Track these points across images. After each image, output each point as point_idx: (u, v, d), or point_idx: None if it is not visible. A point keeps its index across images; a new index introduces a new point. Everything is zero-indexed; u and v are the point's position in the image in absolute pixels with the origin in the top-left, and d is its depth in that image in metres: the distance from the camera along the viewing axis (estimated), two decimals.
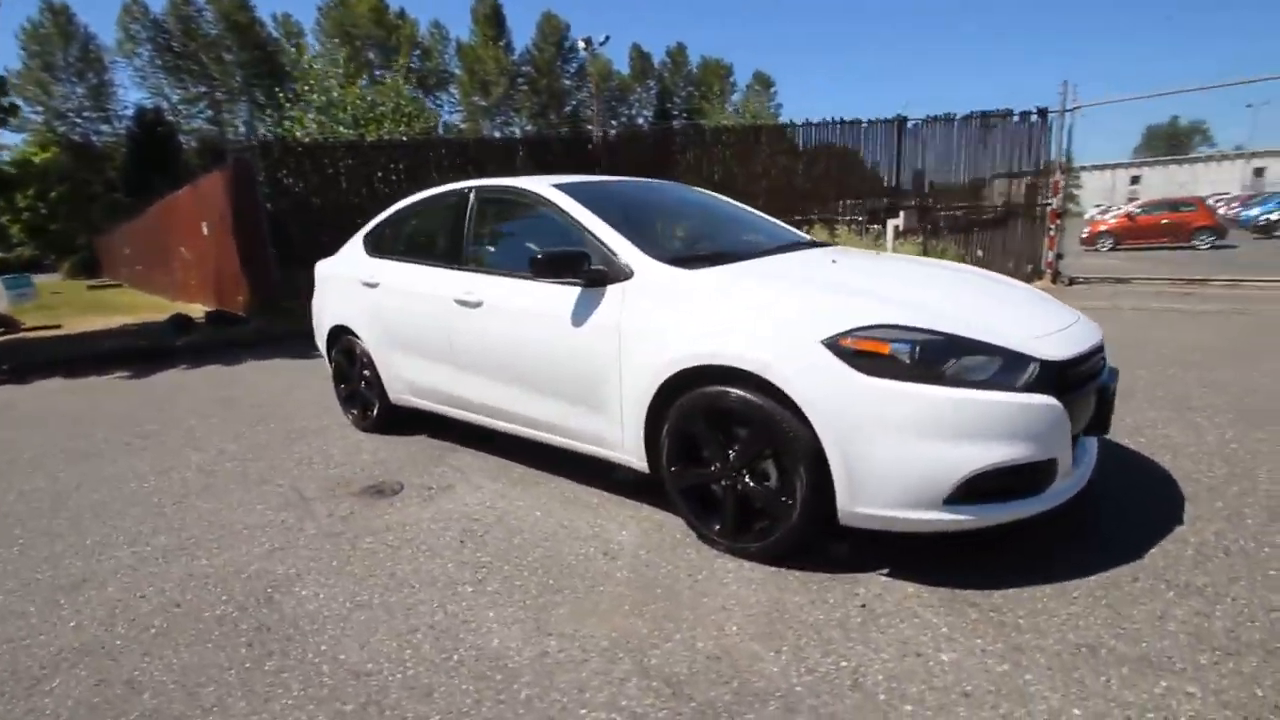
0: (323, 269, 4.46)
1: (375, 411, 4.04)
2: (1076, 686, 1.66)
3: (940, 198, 11.35)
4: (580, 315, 2.68)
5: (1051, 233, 10.17)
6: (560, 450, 3.05)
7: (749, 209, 3.91)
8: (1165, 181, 30.96)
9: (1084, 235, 19.82)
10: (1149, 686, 1.65)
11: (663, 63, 58.58)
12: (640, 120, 52.39)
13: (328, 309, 4.28)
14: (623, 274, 2.59)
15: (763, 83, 54.87)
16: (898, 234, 10.57)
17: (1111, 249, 19.24)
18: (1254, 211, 22.81)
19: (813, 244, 3.40)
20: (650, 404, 2.47)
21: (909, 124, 11.22)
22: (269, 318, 9.15)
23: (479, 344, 3.17)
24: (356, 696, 1.78)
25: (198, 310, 11.18)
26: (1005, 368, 2.00)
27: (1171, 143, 69.66)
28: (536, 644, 1.95)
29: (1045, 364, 2.04)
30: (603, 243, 2.69)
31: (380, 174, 10.29)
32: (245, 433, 4.36)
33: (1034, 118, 10.76)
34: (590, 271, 2.62)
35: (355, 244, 4.19)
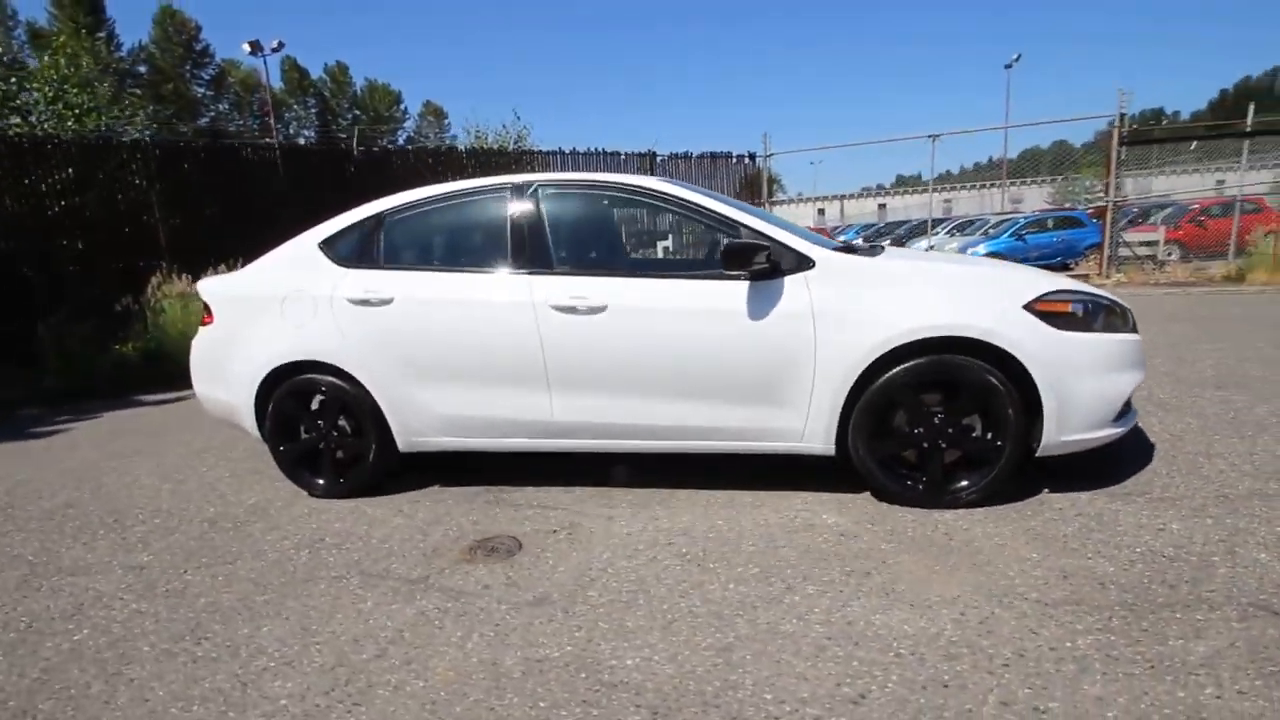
0: (233, 288, 3.29)
1: (364, 468, 3.15)
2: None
3: None
4: (761, 307, 2.65)
5: None
6: (636, 461, 2.92)
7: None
8: (856, 210, 39.21)
9: None
10: None
11: (320, 79, 53.39)
12: (301, 139, 46.82)
13: (255, 343, 3.16)
14: (806, 263, 2.66)
15: (435, 113, 54.20)
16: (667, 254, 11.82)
17: None
18: (841, 239, 31.28)
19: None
20: (854, 384, 2.60)
21: (658, 158, 12.68)
22: None
23: (600, 354, 2.80)
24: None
25: None
26: (1123, 316, 2.73)
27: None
28: (925, 616, 1.95)
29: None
30: (768, 236, 2.70)
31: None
32: (195, 545, 2.93)
33: (747, 159, 13.22)
34: (771, 263, 2.62)
35: (305, 254, 3.20)
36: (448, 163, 10.95)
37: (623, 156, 12.28)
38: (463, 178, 11.31)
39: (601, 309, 2.77)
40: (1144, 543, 2.28)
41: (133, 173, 8.48)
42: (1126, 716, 1.51)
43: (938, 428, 2.61)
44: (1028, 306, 2.53)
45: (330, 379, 3.09)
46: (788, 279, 2.66)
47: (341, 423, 3.16)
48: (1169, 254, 12.71)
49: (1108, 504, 2.60)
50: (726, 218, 2.80)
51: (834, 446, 2.72)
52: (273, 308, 3.17)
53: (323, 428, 3.18)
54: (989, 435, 2.59)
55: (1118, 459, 2.96)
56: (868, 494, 2.83)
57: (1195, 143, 14.42)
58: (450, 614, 2.14)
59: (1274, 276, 9.41)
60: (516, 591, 2.26)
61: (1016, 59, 29.31)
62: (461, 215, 3.18)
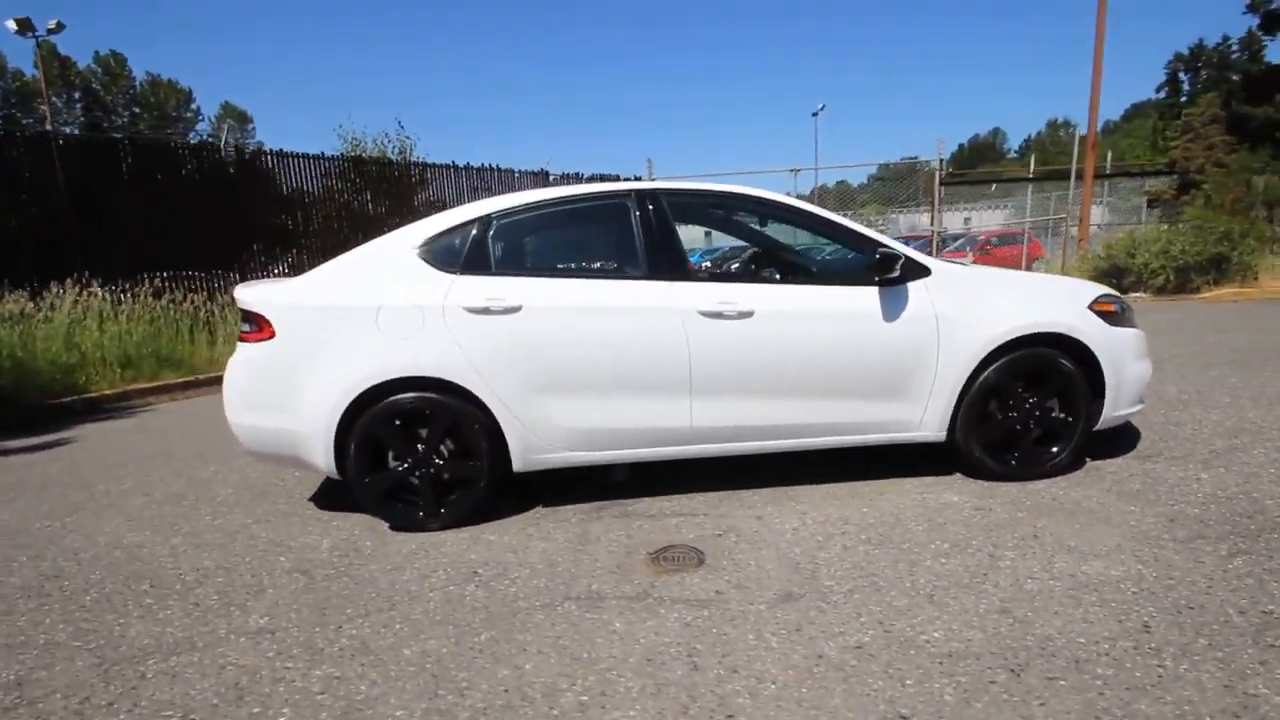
0: (307, 298, 2.85)
1: (473, 493, 2.88)
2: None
3: None
4: (893, 311, 2.92)
5: None
6: (708, 466, 3.06)
7: None
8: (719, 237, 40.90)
9: None
10: None
11: (90, 69, 44.69)
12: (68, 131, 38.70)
13: (341, 360, 2.76)
14: (924, 271, 2.98)
15: (237, 116, 47.94)
16: None
17: None
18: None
19: None
20: (969, 376, 2.97)
21: (550, 176, 12.65)
22: None
23: (745, 360, 2.87)
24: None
25: None
26: (1132, 313, 3.42)
27: None
28: (1116, 562, 2.32)
29: None
30: (889, 247, 2.99)
31: None
32: (315, 599, 2.40)
33: (634, 182, 13.69)
34: (903, 271, 2.91)
35: (398, 259, 2.87)
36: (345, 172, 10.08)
37: (516, 174, 12.09)
38: (349, 185, 10.47)
39: (749, 314, 2.86)
40: (1196, 490, 2.90)
41: None
42: None
43: (1028, 410, 3.07)
44: (1090, 306, 3.11)
45: (436, 396, 2.80)
46: (910, 285, 2.97)
47: (448, 445, 2.87)
48: None
49: (1141, 465, 3.24)
50: (850, 230, 3.05)
51: (945, 434, 3.07)
52: (364, 319, 2.79)
53: (421, 452, 2.85)
54: (1064, 415, 3.11)
55: (1114, 432, 3.68)
56: (957, 475, 3.22)
57: (995, 185, 17.71)
58: (714, 621, 2.09)
59: None
60: (753, 592, 2.26)
61: (822, 108, 33.64)
62: (579, 221, 3.08)
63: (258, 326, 2.86)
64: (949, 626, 2.00)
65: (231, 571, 2.64)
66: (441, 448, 2.87)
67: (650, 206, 2.97)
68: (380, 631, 2.14)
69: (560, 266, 3.06)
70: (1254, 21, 12.60)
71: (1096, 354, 3.04)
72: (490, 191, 11.82)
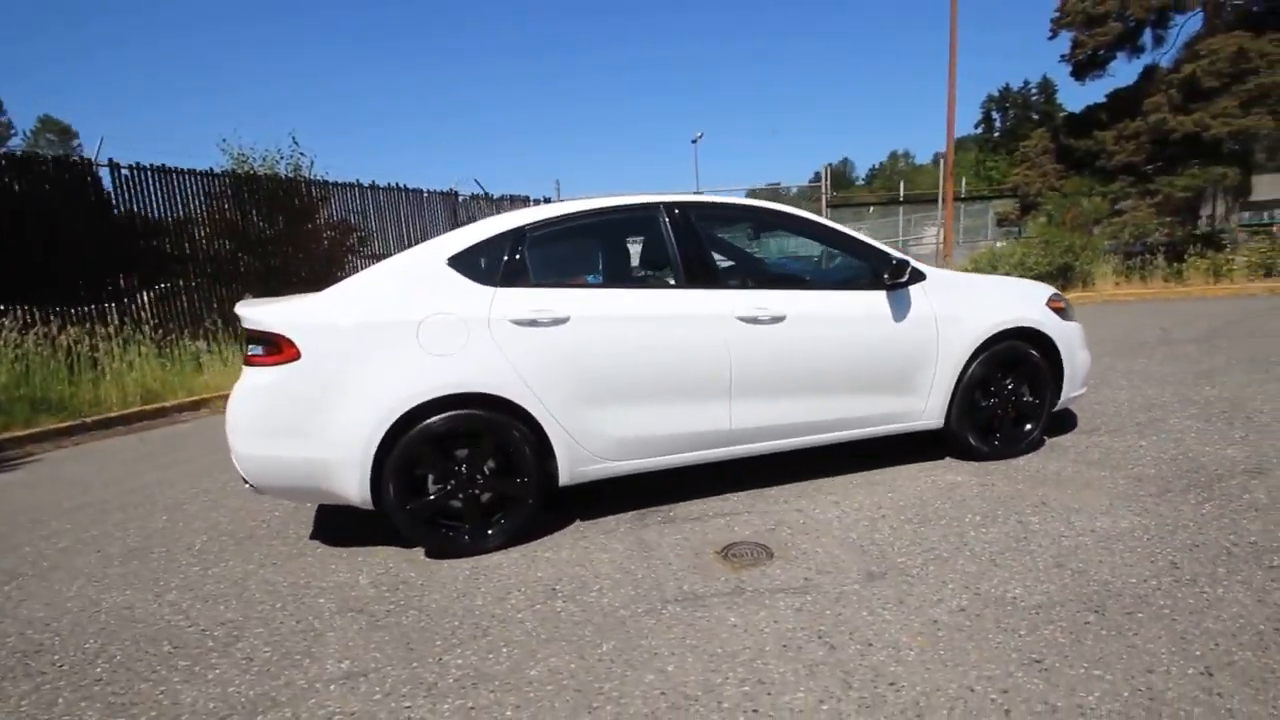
0: (337, 315, 2.65)
1: (521, 511, 2.79)
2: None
3: None
4: (901, 312, 3.21)
5: None
6: (753, 463, 3.26)
7: None
8: None
9: None
10: None
11: None
12: None
13: (378, 380, 2.59)
14: (921, 276, 3.30)
15: (60, 131, 41.95)
16: None
17: None
18: None
19: None
20: (962, 369, 3.32)
21: (459, 197, 12.34)
22: None
23: (777, 362, 3.02)
24: None
25: None
26: (1073, 309, 3.96)
27: None
28: (1118, 519, 2.69)
29: None
30: (890, 255, 3.29)
31: None
32: (464, 634, 2.16)
33: (544, 203, 13.69)
34: (910, 276, 3.21)
35: (432, 272, 2.75)
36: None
37: (425, 194, 11.65)
38: (238, 204, 9.55)
39: (781, 318, 3.03)
40: (1144, 455, 3.42)
41: None
42: (1277, 525, 2.43)
43: (1007, 396, 3.48)
44: (1048, 303, 3.59)
45: (482, 412, 2.69)
46: (912, 289, 3.28)
47: (490, 464, 2.76)
48: None
49: (1089, 439, 3.76)
50: (857, 239, 3.32)
51: (943, 421, 3.40)
52: (404, 335, 2.63)
53: (465, 473, 2.72)
54: (1033, 398, 3.55)
55: (1059, 413, 4.23)
56: (947, 458, 3.57)
57: (872, 207, 19.49)
58: (822, 605, 2.19)
59: None
60: (838, 575, 2.39)
61: (700, 136, 35.46)
62: (612, 232, 3.09)
63: (275, 348, 2.61)
64: (1023, 583, 2.24)
65: (268, 621, 2.36)
66: (488, 466, 2.76)
67: (679, 217, 3.07)
68: (488, 658, 2.03)
69: (599, 277, 3.06)
70: (1063, 68, 14.90)
71: (1057, 344, 3.51)
72: (396, 211, 11.31)
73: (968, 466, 3.44)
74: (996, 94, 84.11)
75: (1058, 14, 14.81)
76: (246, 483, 2.81)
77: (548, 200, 13.68)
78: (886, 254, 3.28)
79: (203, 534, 3.28)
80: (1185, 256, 10.88)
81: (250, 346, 2.70)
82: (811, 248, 3.81)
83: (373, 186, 10.83)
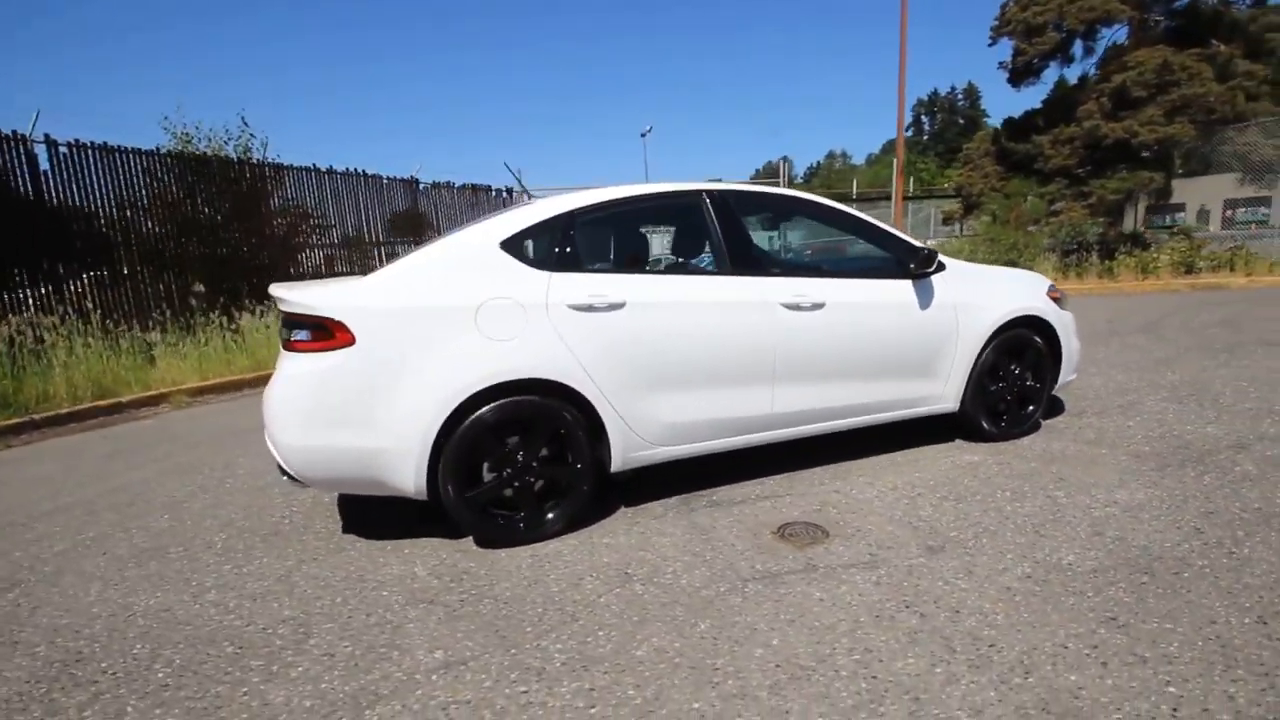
0: (392, 299, 2.56)
1: (575, 498, 2.78)
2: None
3: None
4: (926, 300, 3.35)
5: None
6: (776, 450, 3.37)
7: None
8: None
9: None
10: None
11: None
12: None
13: (437, 366, 2.53)
14: (942, 267, 3.46)
15: None
16: None
17: None
18: None
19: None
20: (977, 354, 3.50)
21: (420, 185, 11.96)
22: None
23: (817, 348, 3.10)
24: None
25: None
26: (1067, 299, 4.23)
27: None
28: (1134, 491, 2.92)
29: None
30: (917, 246, 3.42)
31: None
32: (487, 618, 2.09)
33: (505, 194, 13.46)
34: (936, 266, 3.35)
35: (485, 256, 2.68)
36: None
37: (385, 181, 11.23)
38: (183, 187, 8.94)
39: (821, 305, 3.11)
40: (1137, 435, 3.70)
41: None
42: (1273, 492, 2.70)
43: (1013, 380, 3.70)
44: (1047, 293, 3.82)
45: (539, 399, 2.66)
46: (934, 278, 3.43)
47: (544, 452, 2.73)
48: None
49: (1081, 420, 4.04)
50: (885, 230, 3.44)
51: (959, 405, 3.58)
52: (463, 320, 2.57)
53: (522, 460, 2.69)
54: (1034, 382, 3.79)
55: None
56: (956, 439, 3.76)
57: None
58: (896, 577, 2.29)
59: None
60: (900, 550, 2.49)
61: (649, 130, 35.59)
62: (657, 218, 3.10)
63: (326, 333, 2.49)
64: (1072, 551, 2.41)
65: (334, 616, 2.27)
66: (543, 452, 2.73)
67: (721, 204, 3.10)
68: (588, 641, 2.02)
69: (649, 263, 3.05)
70: (999, 75, 15.79)
71: (1057, 331, 3.75)
72: (355, 197, 10.87)
73: (980, 447, 3.64)
74: (925, 98, 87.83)
75: (997, 22, 15.63)
76: (286, 475, 2.68)
77: (510, 190, 13.44)
78: (914, 245, 3.42)
79: (219, 532, 3.10)
80: (1116, 255, 11.76)
81: (294, 331, 2.57)
82: (822, 236, 3.93)
83: (330, 171, 10.36)
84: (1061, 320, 3.79)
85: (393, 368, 2.51)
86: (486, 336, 2.59)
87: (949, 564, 2.37)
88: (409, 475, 2.54)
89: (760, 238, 4.00)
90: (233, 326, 8.15)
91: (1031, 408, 3.78)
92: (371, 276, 2.67)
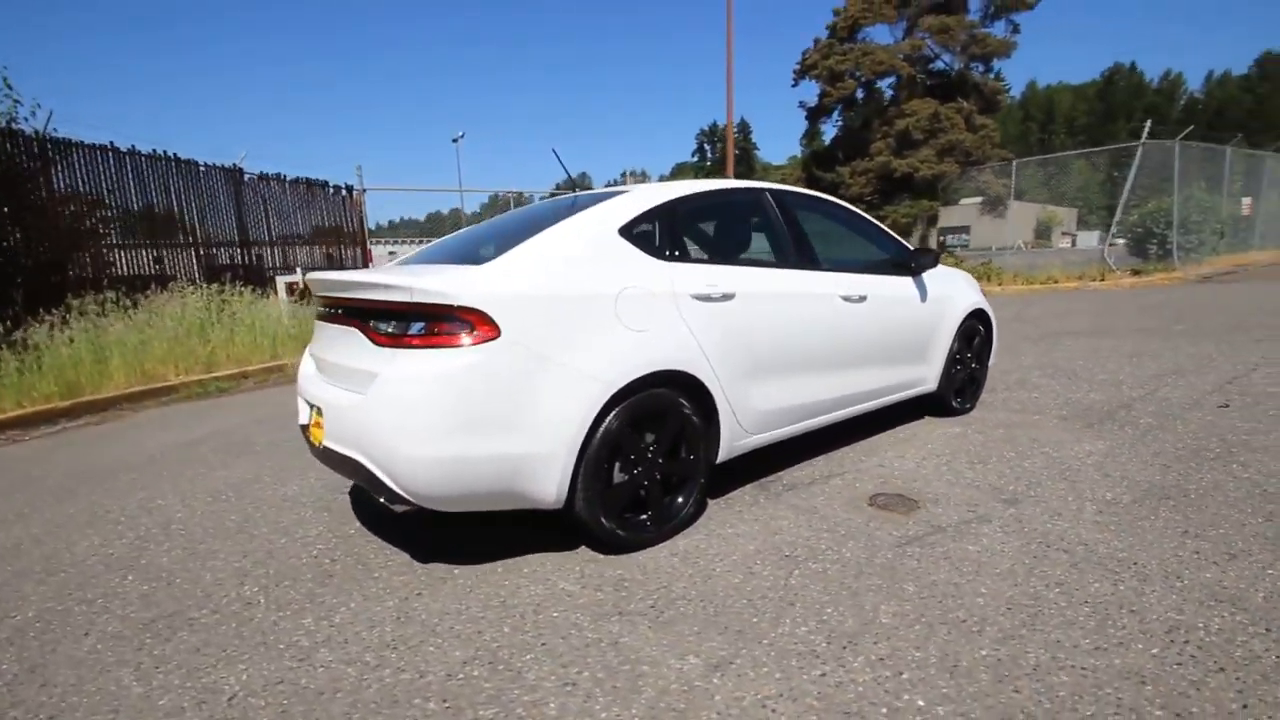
0: (537, 286, 2.31)
1: (691, 491, 2.74)
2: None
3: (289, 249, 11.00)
4: (924, 294, 3.85)
5: None
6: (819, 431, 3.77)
7: None
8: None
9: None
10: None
11: None
12: None
13: (583, 360, 2.33)
14: (931, 264, 3.99)
15: None
16: (292, 293, 9.76)
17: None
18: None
19: None
20: (951, 341, 4.10)
21: (245, 175, 10.31)
22: None
23: (861, 337, 3.39)
24: None
25: None
26: None
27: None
28: (1114, 452, 3.65)
29: None
30: (919, 247, 3.90)
31: None
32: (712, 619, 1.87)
33: (343, 191, 12.17)
34: (933, 263, 3.86)
35: (608, 243, 2.53)
36: None
37: (202, 168, 9.46)
38: None
39: (865, 298, 3.43)
40: (1049, 403, 4.58)
41: None
42: (1184, 434, 3.58)
43: (966, 363, 4.38)
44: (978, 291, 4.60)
45: (668, 391, 2.59)
46: (925, 274, 3.95)
47: (668, 445, 2.65)
48: None
49: (1007, 394, 4.88)
50: (884, 230, 3.88)
51: (937, 385, 4.15)
52: (604, 310, 2.41)
53: (652, 455, 2.58)
54: (976, 365, 4.53)
55: None
56: (925, 418, 4.35)
57: None
58: (999, 531, 2.62)
59: None
60: (984, 507, 2.85)
61: (461, 136, 34.47)
62: (733, 212, 3.14)
63: (460, 325, 2.16)
64: (1106, 490, 2.97)
65: (526, 648, 1.99)
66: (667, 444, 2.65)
67: (780, 202, 3.28)
68: (825, 619, 2.05)
69: (739, 255, 3.08)
70: (798, 112, 18.21)
71: (991, 320, 4.54)
72: (165, 185, 9.02)
73: (947, 421, 4.25)
74: (707, 129, 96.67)
75: (799, 66, 17.95)
76: (387, 497, 2.25)
77: (350, 186, 12.14)
78: (915, 247, 3.91)
79: (286, 578, 2.48)
80: None
81: (411, 325, 2.19)
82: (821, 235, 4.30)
83: (133, 152, 8.48)
84: (990, 312, 4.59)
85: (540, 363, 2.26)
86: (627, 328, 2.46)
87: (1035, 511, 2.78)
88: (553, 482, 2.31)
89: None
90: (10, 340, 6.36)
91: (977, 386, 4.51)
92: (494, 262, 2.37)
